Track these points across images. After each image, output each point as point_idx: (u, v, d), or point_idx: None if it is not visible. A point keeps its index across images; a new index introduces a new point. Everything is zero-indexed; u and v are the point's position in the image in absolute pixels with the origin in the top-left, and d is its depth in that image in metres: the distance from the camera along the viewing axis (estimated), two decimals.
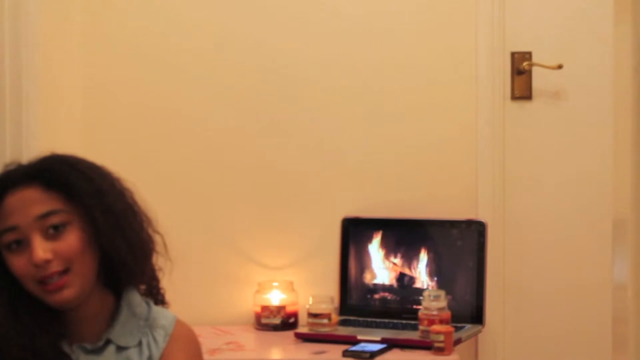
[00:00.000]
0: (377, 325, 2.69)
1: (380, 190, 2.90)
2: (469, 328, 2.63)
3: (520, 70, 2.87)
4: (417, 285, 2.78)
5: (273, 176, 2.91)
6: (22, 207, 1.55)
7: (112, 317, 1.64)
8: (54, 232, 1.55)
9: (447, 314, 2.51)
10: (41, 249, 1.53)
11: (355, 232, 2.86)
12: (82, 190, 1.58)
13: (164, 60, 2.91)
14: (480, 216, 2.81)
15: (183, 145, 2.91)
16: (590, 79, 2.88)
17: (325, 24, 2.90)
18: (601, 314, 2.87)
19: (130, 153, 2.86)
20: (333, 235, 2.87)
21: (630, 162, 2.99)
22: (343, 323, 2.72)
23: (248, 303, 2.85)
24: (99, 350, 1.62)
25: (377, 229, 2.84)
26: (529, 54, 2.88)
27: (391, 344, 2.49)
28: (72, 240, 1.55)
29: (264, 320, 2.77)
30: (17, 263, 1.55)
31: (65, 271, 1.54)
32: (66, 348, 1.59)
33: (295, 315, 2.78)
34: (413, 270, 2.79)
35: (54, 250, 1.54)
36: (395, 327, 2.66)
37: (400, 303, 2.78)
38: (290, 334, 2.68)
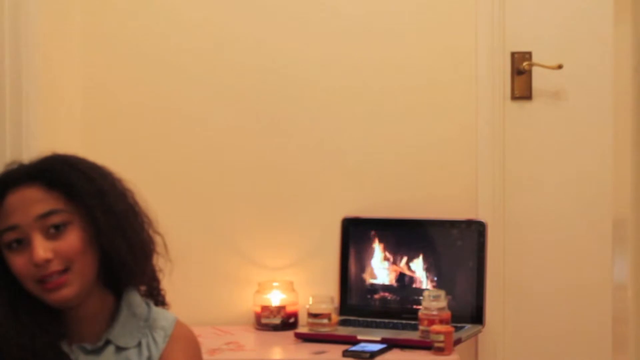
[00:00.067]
0: (377, 325, 2.69)
1: (380, 190, 2.90)
2: (469, 328, 2.63)
3: (520, 70, 2.87)
4: (417, 285, 2.78)
5: (273, 176, 2.91)
6: (23, 207, 1.56)
7: (112, 317, 1.64)
8: (54, 231, 1.55)
9: (447, 314, 2.51)
10: (42, 248, 1.53)
11: (355, 232, 2.86)
12: (83, 190, 1.58)
13: (164, 60, 2.91)
14: (480, 216, 2.81)
15: (183, 145, 2.91)
16: (590, 79, 2.88)
17: (325, 24, 2.90)
18: (601, 314, 2.87)
19: (130, 153, 2.86)
20: (333, 235, 2.87)
21: (630, 162, 2.99)
22: (343, 323, 2.72)
23: (248, 303, 2.85)
24: (98, 351, 1.62)
25: (377, 229, 2.84)
26: (529, 54, 2.88)
27: (391, 344, 2.50)
28: (72, 240, 1.56)
29: (264, 320, 2.77)
30: (18, 262, 1.55)
31: (65, 270, 1.55)
32: (66, 348, 1.59)
33: (295, 315, 2.78)
34: (413, 271, 2.79)
35: (54, 250, 1.54)
36: (395, 327, 2.66)
37: (400, 303, 2.78)
38: (290, 334, 2.68)
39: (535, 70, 2.86)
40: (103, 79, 2.92)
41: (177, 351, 1.65)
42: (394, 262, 2.82)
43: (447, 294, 2.57)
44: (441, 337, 2.41)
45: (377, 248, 2.83)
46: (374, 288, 2.83)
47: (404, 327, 2.64)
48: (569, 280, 2.88)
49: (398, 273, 2.81)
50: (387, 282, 2.82)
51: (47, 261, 1.53)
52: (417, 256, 2.79)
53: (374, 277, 2.83)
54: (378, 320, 2.72)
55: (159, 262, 1.69)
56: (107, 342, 1.62)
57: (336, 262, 2.86)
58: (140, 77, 2.92)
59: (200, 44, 2.91)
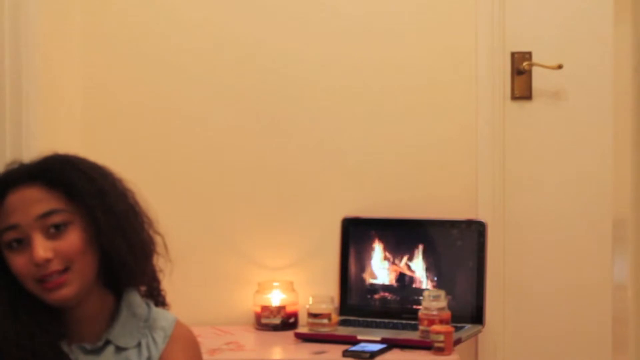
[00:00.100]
0: (377, 325, 2.69)
1: (380, 190, 2.90)
2: (469, 328, 2.63)
3: (520, 70, 2.87)
4: (417, 285, 2.78)
5: (273, 176, 2.91)
6: (23, 206, 1.56)
7: (112, 317, 1.64)
8: (55, 231, 1.55)
9: (447, 314, 2.51)
10: (42, 248, 1.53)
11: (355, 232, 2.86)
12: (84, 190, 1.58)
13: (164, 60, 2.91)
14: (480, 216, 2.81)
15: (183, 145, 2.91)
16: (590, 79, 2.88)
17: (325, 24, 2.90)
18: (601, 314, 2.87)
19: (130, 153, 2.86)
20: (333, 235, 2.87)
21: (630, 162, 2.99)
22: (343, 323, 2.72)
23: (248, 303, 2.85)
24: (98, 351, 1.62)
25: (377, 229, 2.84)
26: (529, 54, 2.88)
27: (391, 344, 2.49)
28: (72, 239, 1.56)
29: (264, 320, 2.77)
30: (18, 262, 1.55)
31: (65, 270, 1.55)
32: (65, 348, 1.59)
33: (295, 315, 2.78)
34: (413, 271, 2.79)
35: (54, 250, 1.54)
36: (395, 327, 2.66)
37: (400, 303, 2.78)
38: (290, 334, 2.68)
39: (535, 70, 2.86)
40: (103, 79, 2.92)
41: (177, 351, 1.65)
42: (394, 262, 2.82)
43: (447, 294, 2.57)
44: (441, 337, 2.41)
45: (377, 248, 2.83)
46: (374, 288, 2.83)
47: (404, 327, 2.64)
48: (569, 280, 2.88)
49: (398, 273, 2.81)
50: (387, 282, 2.82)
51: (47, 261, 1.53)
52: (417, 256, 2.79)
53: (374, 277, 2.83)
54: (378, 320, 2.72)
55: (159, 262, 1.70)
56: (107, 342, 1.62)
57: (336, 262, 2.86)
58: (140, 77, 2.92)
59: (200, 44, 2.91)
